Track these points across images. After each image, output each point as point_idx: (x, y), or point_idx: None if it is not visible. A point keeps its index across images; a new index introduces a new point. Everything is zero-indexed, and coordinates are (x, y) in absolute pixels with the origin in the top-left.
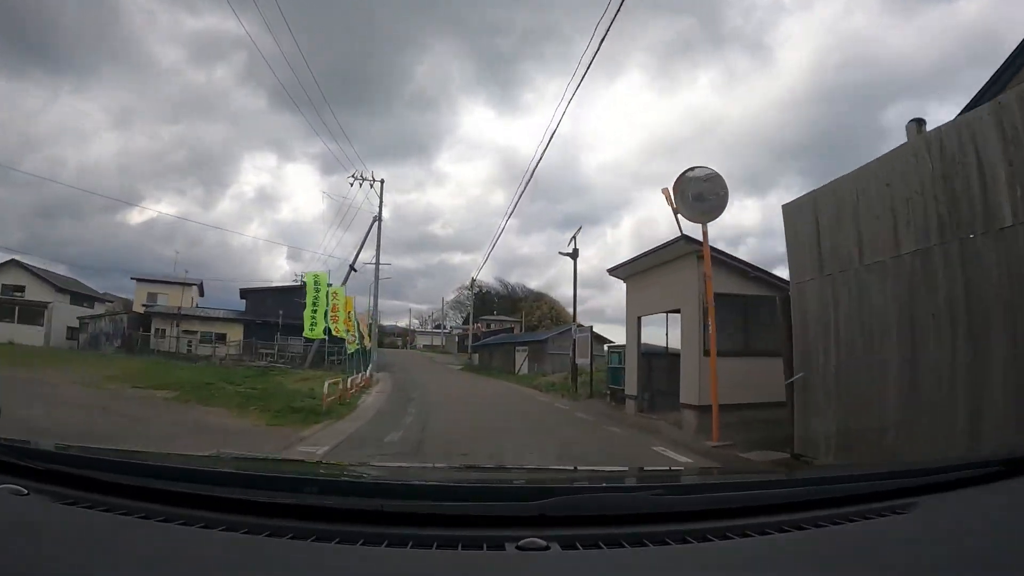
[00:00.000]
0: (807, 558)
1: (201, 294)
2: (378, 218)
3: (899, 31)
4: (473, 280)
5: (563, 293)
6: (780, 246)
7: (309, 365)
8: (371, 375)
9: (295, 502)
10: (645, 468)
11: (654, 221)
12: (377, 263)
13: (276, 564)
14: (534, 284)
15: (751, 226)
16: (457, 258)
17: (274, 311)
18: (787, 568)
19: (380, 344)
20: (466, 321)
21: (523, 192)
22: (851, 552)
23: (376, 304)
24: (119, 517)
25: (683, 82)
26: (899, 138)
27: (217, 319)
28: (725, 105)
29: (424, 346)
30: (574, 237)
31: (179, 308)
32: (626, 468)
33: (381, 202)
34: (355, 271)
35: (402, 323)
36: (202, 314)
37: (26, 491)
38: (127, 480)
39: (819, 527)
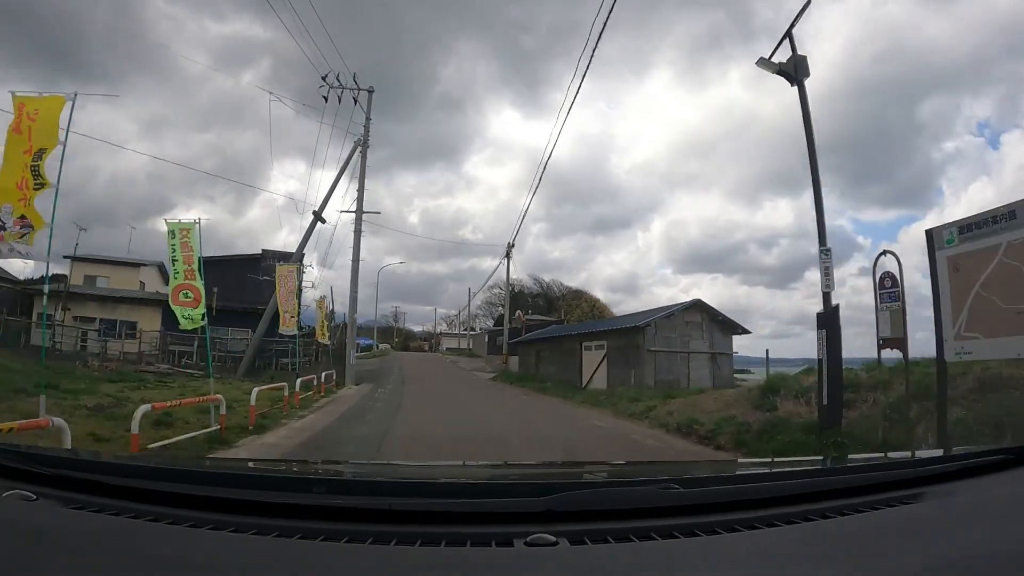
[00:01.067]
0: (815, 549)
1: (166, 280)
2: (362, 143)
3: (934, 22)
4: (511, 246)
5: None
6: (813, 247)
7: (245, 371)
8: (327, 391)
9: (304, 502)
10: (652, 461)
11: (685, 224)
12: (359, 210)
13: (286, 564)
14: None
15: (783, 227)
16: (487, 263)
17: (224, 291)
18: (795, 560)
19: (404, 348)
20: (498, 322)
21: (547, 163)
22: (859, 543)
23: (356, 279)
24: (127, 520)
25: (712, 79)
26: (933, 133)
27: (123, 300)
28: (756, 101)
29: (448, 349)
30: (789, 34)
31: (65, 285)
32: (633, 462)
33: (368, 122)
34: (323, 222)
35: (428, 327)
36: (102, 293)
37: (35, 496)
38: (135, 483)
39: (827, 518)
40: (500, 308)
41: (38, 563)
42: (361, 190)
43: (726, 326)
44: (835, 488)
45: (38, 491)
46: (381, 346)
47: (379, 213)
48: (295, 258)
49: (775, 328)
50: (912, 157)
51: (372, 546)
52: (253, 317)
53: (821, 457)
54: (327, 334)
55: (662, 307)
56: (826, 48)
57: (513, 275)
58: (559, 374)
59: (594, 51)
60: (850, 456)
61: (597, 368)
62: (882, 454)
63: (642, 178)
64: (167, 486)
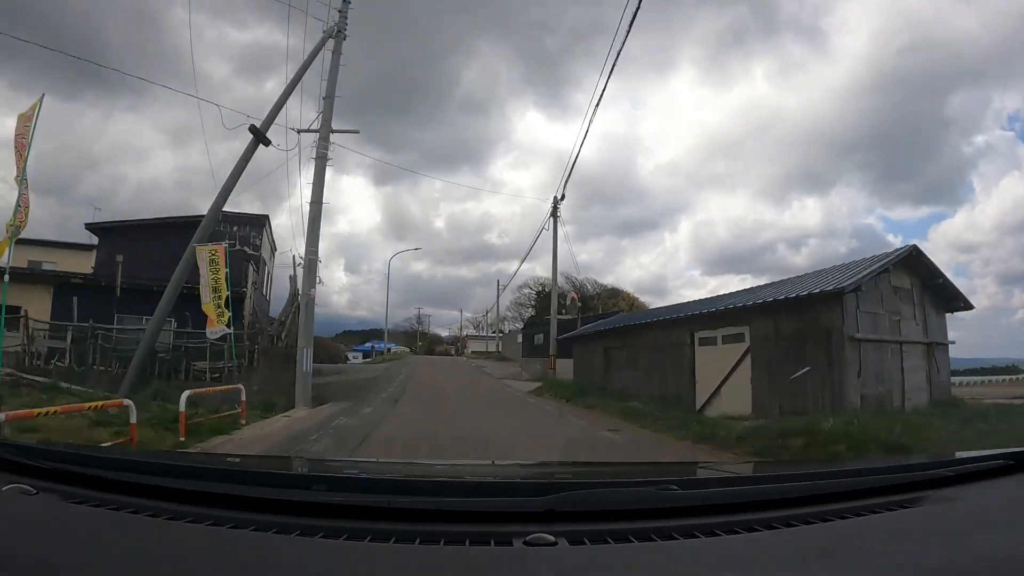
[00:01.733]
0: (815, 552)
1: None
2: (336, 32)
3: (961, 13)
4: (558, 200)
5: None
6: (843, 247)
7: (133, 383)
8: (221, 426)
9: (303, 499)
10: (653, 462)
11: (712, 224)
12: (325, 126)
13: (284, 561)
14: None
15: (812, 226)
16: (513, 267)
17: (136, 264)
18: (794, 563)
19: (429, 352)
20: (528, 324)
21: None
22: (859, 546)
23: (316, 229)
24: (127, 515)
25: (736, 75)
26: (962, 128)
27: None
28: (780, 98)
29: (472, 352)
30: None
31: None
32: (634, 462)
33: (345, 5)
34: (267, 144)
35: (454, 330)
36: None
37: (35, 491)
38: (135, 478)
39: (826, 521)
40: (530, 309)
41: (38, 557)
42: (331, 97)
43: (941, 295)
44: (835, 491)
45: (38, 485)
46: (395, 349)
47: (358, 132)
48: (216, 202)
49: None
50: (941, 152)
51: (370, 544)
52: (179, 300)
53: (823, 460)
54: (226, 311)
55: (859, 260)
56: (851, 41)
57: (545, 272)
58: (647, 387)
59: (620, 50)
60: (851, 460)
61: (728, 376)
62: (883, 458)
63: (668, 178)
64: (167, 481)
